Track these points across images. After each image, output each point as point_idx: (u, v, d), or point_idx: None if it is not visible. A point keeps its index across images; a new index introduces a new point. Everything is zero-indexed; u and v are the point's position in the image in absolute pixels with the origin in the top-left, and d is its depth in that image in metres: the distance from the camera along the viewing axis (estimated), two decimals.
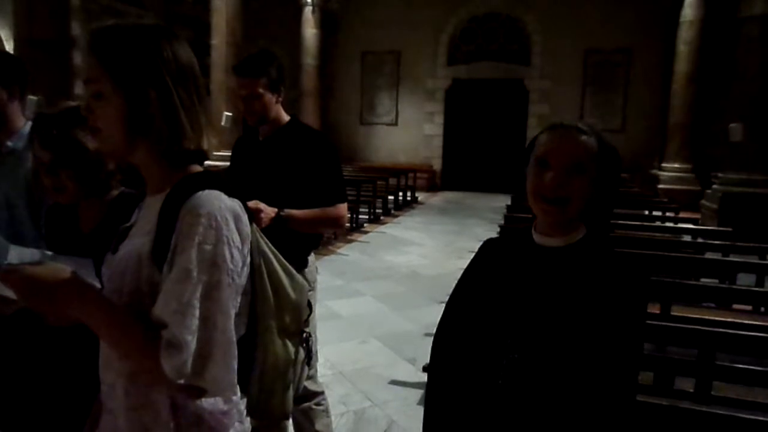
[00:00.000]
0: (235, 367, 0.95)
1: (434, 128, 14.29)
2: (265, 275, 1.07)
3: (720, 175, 8.29)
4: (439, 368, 1.24)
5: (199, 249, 0.91)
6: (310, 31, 13.09)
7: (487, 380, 1.16)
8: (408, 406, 3.07)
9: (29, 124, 1.97)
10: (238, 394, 0.99)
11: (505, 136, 13.93)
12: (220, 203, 0.95)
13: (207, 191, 0.95)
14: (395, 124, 14.50)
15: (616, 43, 12.75)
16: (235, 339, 0.95)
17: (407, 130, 14.41)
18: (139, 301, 0.95)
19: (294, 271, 1.13)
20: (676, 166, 11.27)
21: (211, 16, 10.45)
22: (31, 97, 6.40)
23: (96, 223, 1.48)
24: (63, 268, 0.90)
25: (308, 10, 13.03)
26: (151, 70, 0.96)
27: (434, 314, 4.71)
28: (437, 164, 14.34)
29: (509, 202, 11.45)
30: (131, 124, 0.97)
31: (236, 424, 1.03)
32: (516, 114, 13.76)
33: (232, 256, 0.94)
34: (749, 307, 3.95)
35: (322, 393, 2.31)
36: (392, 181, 10.38)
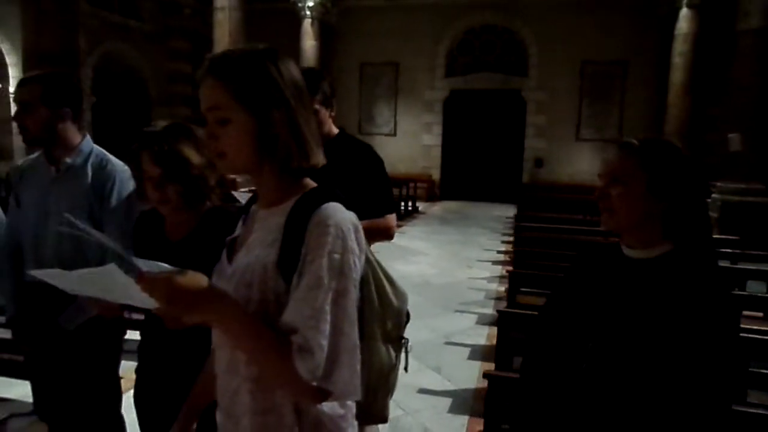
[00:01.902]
0: (359, 370, 0.99)
1: (433, 138, 14.42)
2: (372, 283, 1.12)
3: (719, 184, 8.45)
4: (530, 371, 1.32)
5: (329, 258, 0.95)
6: (309, 42, 13.19)
7: (569, 383, 1.22)
8: (439, 414, 3.11)
9: (87, 140, 2.01)
10: (360, 397, 1.03)
11: (502, 146, 14.09)
12: (343, 215, 1.00)
13: (331, 203, 1.00)
14: (394, 134, 14.61)
15: (612, 55, 12.98)
16: (358, 344, 0.99)
17: (406, 140, 14.51)
18: (265, 309, 0.99)
19: (395, 280, 1.18)
20: None
21: (213, 29, 10.52)
22: None
23: (185, 233, 1.53)
24: (201, 277, 0.94)
25: (307, 23, 13.14)
26: (275, 92, 1.01)
27: (451, 323, 4.80)
28: (436, 174, 14.45)
29: (509, 212, 11.60)
30: (260, 146, 1.02)
31: (350, 428, 1.07)
32: (513, 124, 13.92)
33: (355, 265, 0.99)
34: (760, 314, 4.04)
35: None
36: (394, 191, 10.44)
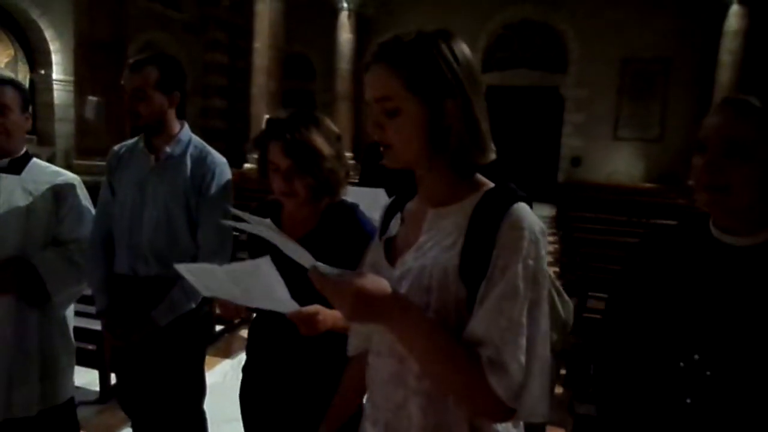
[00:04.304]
0: (548, 389, 0.90)
1: None
2: None
3: None
4: (611, 379, 1.15)
5: (524, 264, 0.86)
6: (345, 35, 13.13)
7: (670, 398, 1.05)
8: None
9: (185, 128, 1.94)
10: (547, 417, 0.94)
11: (539, 144, 13.85)
12: (533, 218, 0.90)
13: (521, 204, 0.91)
14: None
15: (655, 52, 12.64)
16: (550, 359, 0.90)
17: None
18: (444, 318, 0.91)
19: (562, 290, 1.08)
20: None
21: (253, 20, 10.51)
22: (90, 98, 6.47)
23: (308, 229, 1.44)
24: (383, 280, 0.85)
25: (344, 15, 13.08)
26: (452, 79, 0.92)
27: None
28: None
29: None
30: (431, 138, 0.93)
31: None
32: (551, 122, 13.68)
33: (547, 273, 0.90)
34: None
35: None
36: None
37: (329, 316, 1.26)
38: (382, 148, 0.97)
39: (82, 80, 6.55)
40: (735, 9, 10.68)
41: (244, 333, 4.06)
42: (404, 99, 0.91)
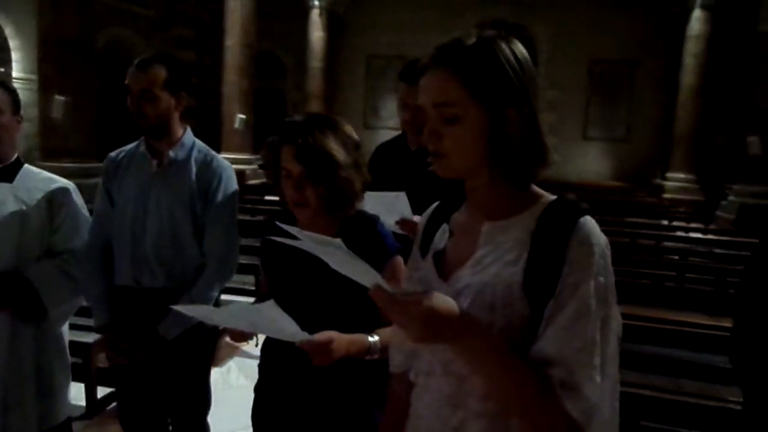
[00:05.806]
0: (618, 410, 0.88)
1: None
2: None
3: (735, 186, 8.44)
4: None
5: (596, 282, 0.84)
6: (316, 33, 13.00)
7: None
8: None
9: (188, 132, 1.86)
10: None
11: None
12: (600, 232, 0.88)
13: (588, 218, 0.88)
14: (399, 128, 14.46)
15: (622, 54, 12.94)
16: (619, 378, 0.88)
17: None
18: (510, 337, 0.87)
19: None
20: (681, 176, 11.45)
21: (223, 16, 10.29)
22: (57, 97, 6.21)
23: None
24: (451, 300, 0.81)
25: (315, 13, 12.94)
26: (516, 87, 0.89)
27: None
28: None
29: None
30: (491, 147, 0.90)
31: None
32: None
33: (614, 288, 0.88)
34: None
35: None
36: None
37: (343, 343, 1.20)
38: (433, 158, 0.94)
39: (47, 79, 6.28)
40: (697, 14, 11.01)
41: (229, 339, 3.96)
42: (466, 105, 0.88)
